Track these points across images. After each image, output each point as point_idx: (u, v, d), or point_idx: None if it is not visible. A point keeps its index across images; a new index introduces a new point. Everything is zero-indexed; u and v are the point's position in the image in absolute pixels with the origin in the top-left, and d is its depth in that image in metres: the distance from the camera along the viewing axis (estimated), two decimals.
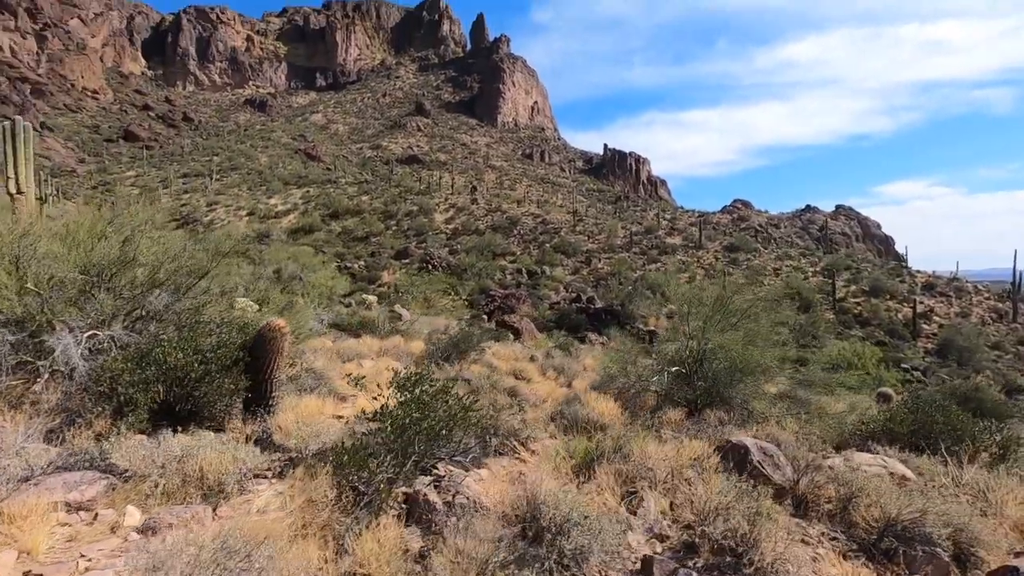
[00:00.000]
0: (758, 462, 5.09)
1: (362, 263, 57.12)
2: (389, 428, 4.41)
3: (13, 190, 22.13)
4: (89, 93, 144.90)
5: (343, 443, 4.33)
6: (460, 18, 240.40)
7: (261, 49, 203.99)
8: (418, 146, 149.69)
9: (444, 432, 4.67)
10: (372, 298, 25.17)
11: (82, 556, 3.62)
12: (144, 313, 6.75)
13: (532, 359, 15.12)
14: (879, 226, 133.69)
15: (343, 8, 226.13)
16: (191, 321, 6.73)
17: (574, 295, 48.02)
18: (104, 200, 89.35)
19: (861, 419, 7.60)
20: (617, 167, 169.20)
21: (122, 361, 5.69)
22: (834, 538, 4.55)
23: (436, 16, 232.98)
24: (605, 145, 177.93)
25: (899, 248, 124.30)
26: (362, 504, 3.83)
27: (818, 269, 59.71)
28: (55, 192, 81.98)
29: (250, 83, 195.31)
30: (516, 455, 5.91)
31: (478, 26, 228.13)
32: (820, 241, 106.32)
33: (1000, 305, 50.62)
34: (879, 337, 44.19)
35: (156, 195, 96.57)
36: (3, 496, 3.87)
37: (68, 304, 6.21)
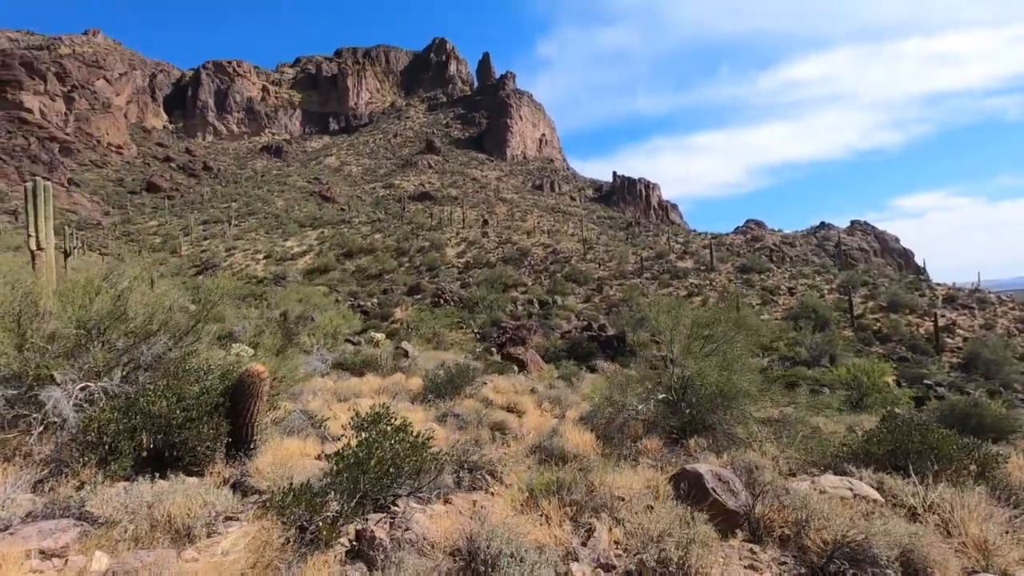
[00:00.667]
0: (712, 488, 5.11)
1: (375, 301, 57.83)
2: (336, 467, 4.59)
3: (34, 247, 23.18)
4: (114, 148, 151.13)
5: (290, 484, 4.52)
6: (466, 58, 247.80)
7: (276, 98, 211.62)
8: (430, 183, 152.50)
9: (391, 470, 4.82)
10: (380, 336, 25.50)
11: None
12: (135, 364, 7.09)
13: (533, 391, 15.18)
14: (897, 240, 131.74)
15: (353, 55, 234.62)
16: (177, 370, 7.04)
17: (585, 323, 47.92)
18: (126, 251, 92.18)
19: (843, 441, 7.53)
20: (627, 194, 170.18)
21: (109, 411, 5.98)
22: (784, 563, 4.53)
23: (443, 57, 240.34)
24: (614, 172, 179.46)
25: (919, 261, 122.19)
26: (305, 542, 3.98)
27: (834, 286, 58.90)
28: (81, 245, 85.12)
29: (266, 131, 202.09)
30: (489, 489, 6.01)
31: (484, 64, 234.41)
32: (837, 258, 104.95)
33: None
34: (901, 353, 43.23)
35: (177, 243, 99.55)
36: None
37: (63, 358, 6.56)
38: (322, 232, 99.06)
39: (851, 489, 5.55)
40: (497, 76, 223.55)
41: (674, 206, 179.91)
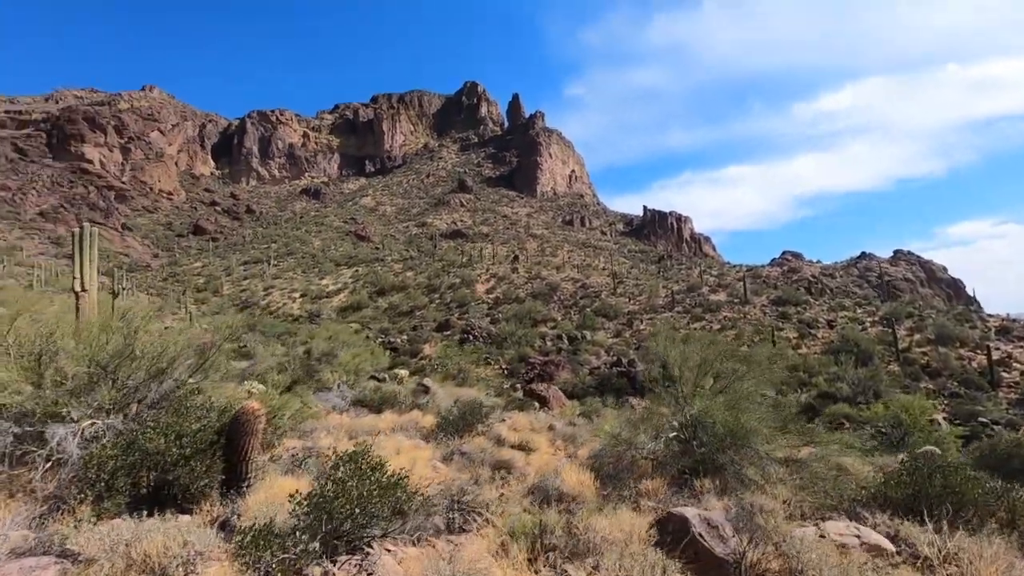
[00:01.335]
0: (698, 534, 4.80)
1: (405, 337, 58.33)
2: (296, 508, 4.54)
3: (79, 288, 24.43)
4: (165, 195, 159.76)
5: (252, 525, 4.48)
6: (497, 99, 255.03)
7: (315, 143, 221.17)
8: (461, 221, 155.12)
9: (357, 510, 4.73)
10: (404, 373, 25.62)
11: None
12: (143, 401, 7.30)
13: (550, 428, 14.89)
14: (944, 269, 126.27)
15: (388, 100, 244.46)
16: (179, 407, 7.20)
17: (615, 359, 47.12)
18: (171, 292, 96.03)
19: (861, 483, 7.04)
20: (658, 227, 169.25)
21: (110, 448, 6.13)
22: None
23: (474, 100, 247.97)
24: (644, 206, 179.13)
25: (969, 291, 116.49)
26: None
27: (876, 318, 56.50)
28: (130, 286, 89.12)
29: (306, 174, 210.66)
30: (480, 531, 5.83)
31: (514, 105, 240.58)
32: (880, 289, 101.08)
33: None
34: (952, 388, 40.89)
35: (219, 283, 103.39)
36: None
37: (72, 395, 6.81)
38: (356, 270, 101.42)
39: (858, 537, 5.12)
40: (527, 116, 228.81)
41: (707, 239, 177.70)
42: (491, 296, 76.98)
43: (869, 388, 37.18)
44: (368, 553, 4.62)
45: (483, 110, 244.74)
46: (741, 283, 68.42)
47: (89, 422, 6.65)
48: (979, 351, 44.98)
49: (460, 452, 10.02)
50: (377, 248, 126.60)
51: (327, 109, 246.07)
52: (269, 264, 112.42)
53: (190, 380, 7.97)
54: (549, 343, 55.41)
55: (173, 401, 7.33)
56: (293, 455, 8.10)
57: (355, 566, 4.35)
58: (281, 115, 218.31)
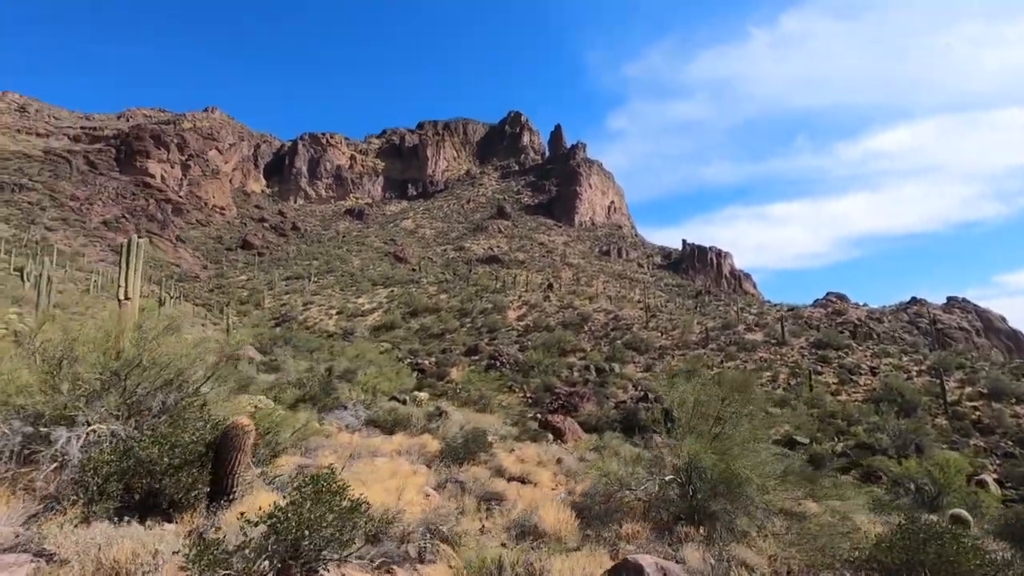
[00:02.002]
0: None
1: (433, 360, 58.70)
2: (244, 527, 4.63)
3: (122, 296, 25.75)
4: (218, 210, 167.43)
5: (201, 539, 4.59)
6: (539, 129, 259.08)
7: (362, 166, 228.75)
8: (498, 247, 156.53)
9: (307, 532, 4.77)
10: (423, 395, 25.76)
11: None
12: (147, 410, 7.63)
13: (559, 461, 14.67)
14: (1004, 320, 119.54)
15: (434, 127, 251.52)
16: (179, 418, 7.50)
17: (642, 393, 46.19)
18: (214, 302, 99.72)
19: (855, 544, 6.64)
20: (697, 261, 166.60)
21: (109, 453, 6.42)
22: None
23: (517, 129, 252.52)
24: (684, 240, 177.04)
25: None
26: None
27: (924, 368, 53.73)
28: (178, 295, 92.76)
29: (351, 195, 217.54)
30: (450, 563, 5.79)
31: (556, 135, 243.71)
32: (931, 336, 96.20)
33: None
34: (1007, 448, 38.42)
35: (261, 296, 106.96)
36: None
37: (81, 401, 7.18)
38: (392, 291, 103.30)
39: None
40: (568, 146, 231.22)
41: (747, 275, 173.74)
42: (522, 323, 76.94)
43: (911, 441, 35.23)
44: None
45: (525, 139, 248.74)
46: (779, 323, 66.33)
47: (93, 427, 6.99)
48: None
49: (455, 480, 9.98)
50: (414, 270, 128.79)
51: (375, 133, 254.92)
52: (309, 280, 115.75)
53: (200, 391, 8.28)
54: (576, 374, 54.82)
55: (174, 412, 7.65)
56: (283, 473, 8.27)
57: None
58: (331, 138, 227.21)
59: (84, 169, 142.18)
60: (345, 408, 17.99)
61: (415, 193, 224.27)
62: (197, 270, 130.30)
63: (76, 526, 5.37)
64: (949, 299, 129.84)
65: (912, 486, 20.55)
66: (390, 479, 9.19)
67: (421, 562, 5.77)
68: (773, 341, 61.56)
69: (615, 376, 52.66)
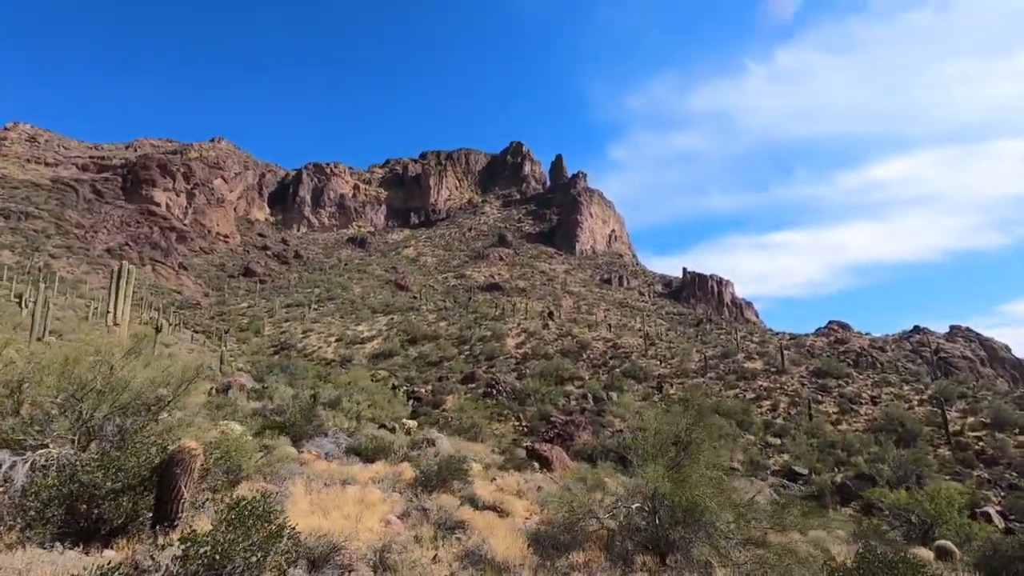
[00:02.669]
0: None
1: (429, 387, 58.24)
2: (154, 554, 4.54)
3: (111, 322, 25.70)
4: (221, 237, 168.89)
5: (113, 564, 4.48)
6: (540, 159, 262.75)
7: (365, 195, 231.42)
8: (499, 274, 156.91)
9: (217, 558, 4.64)
10: (412, 423, 25.47)
11: None
12: (99, 434, 7.53)
13: (539, 490, 14.39)
14: (1008, 349, 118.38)
15: (437, 157, 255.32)
16: (130, 441, 7.39)
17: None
18: (214, 329, 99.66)
19: (813, 573, 6.40)
20: (698, 290, 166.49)
21: (54, 478, 6.31)
22: None
23: (519, 159, 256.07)
24: (684, 268, 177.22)
25: None
26: None
27: (925, 397, 53.05)
28: (178, 322, 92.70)
29: (353, 224, 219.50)
30: None
31: (557, 165, 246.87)
32: (932, 365, 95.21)
33: None
34: (1011, 479, 37.67)
35: (261, 324, 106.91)
36: None
37: (31, 426, 7.11)
38: (392, 318, 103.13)
39: None
40: (569, 175, 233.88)
41: (749, 304, 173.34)
42: (520, 351, 76.51)
43: (911, 472, 34.56)
44: None
45: (526, 169, 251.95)
46: (779, 351, 65.86)
47: (41, 451, 6.89)
48: None
49: (421, 508, 9.74)
50: (414, 297, 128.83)
51: (378, 163, 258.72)
52: (309, 308, 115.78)
53: (158, 416, 8.20)
54: (574, 402, 54.22)
55: (125, 435, 7.55)
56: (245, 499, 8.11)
57: None
58: (335, 167, 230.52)
59: (90, 198, 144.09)
60: (326, 436, 17.77)
61: (417, 221, 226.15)
62: (199, 297, 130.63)
63: (23, 551, 5.25)
64: (952, 328, 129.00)
65: (912, 518, 20.07)
66: (354, 507, 8.98)
67: None
68: (773, 369, 61.02)
69: (613, 405, 52.05)
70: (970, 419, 47.27)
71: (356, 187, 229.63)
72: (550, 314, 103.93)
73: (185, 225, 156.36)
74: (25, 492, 6.19)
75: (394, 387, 57.34)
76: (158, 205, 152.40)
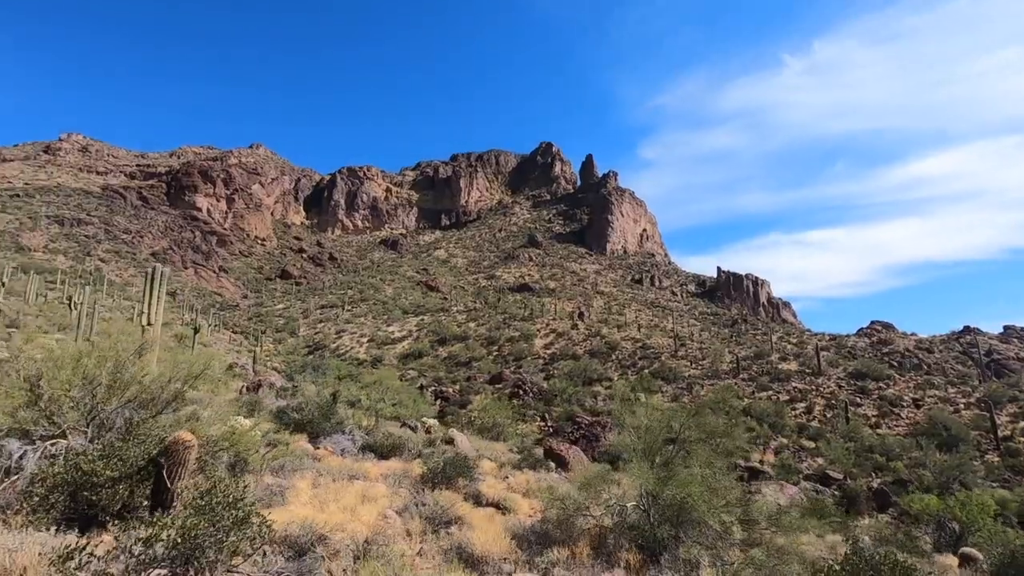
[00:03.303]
0: None
1: (457, 387, 58.69)
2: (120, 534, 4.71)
3: (145, 323, 26.79)
4: (259, 241, 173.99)
5: (72, 545, 4.68)
6: (571, 159, 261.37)
7: (397, 197, 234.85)
8: (529, 275, 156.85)
9: (179, 539, 4.77)
10: (432, 422, 25.69)
11: None
12: (108, 426, 7.89)
13: (549, 489, 14.33)
14: None
15: (467, 159, 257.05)
16: (133, 433, 7.70)
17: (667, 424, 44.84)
18: (252, 329, 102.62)
19: (798, 574, 6.16)
20: (732, 289, 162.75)
21: (61, 465, 6.64)
22: None
23: (549, 159, 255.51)
24: (718, 268, 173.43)
25: None
26: None
27: (972, 400, 50.64)
28: (218, 323, 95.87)
29: (386, 226, 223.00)
30: None
31: (587, 165, 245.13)
32: (979, 367, 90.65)
33: None
34: None
35: (296, 324, 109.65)
36: None
37: (44, 417, 7.49)
38: (422, 319, 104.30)
39: None
40: (600, 175, 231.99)
41: (786, 303, 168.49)
42: (548, 351, 76.33)
43: (954, 478, 33.02)
44: None
45: (557, 169, 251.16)
46: (819, 352, 63.81)
47: (52, 441, 7.26)
48: None
49: (420, 504, 9.84)
50: (445, 298, 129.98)
51: (410, 166, 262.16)
52: (343, 309, 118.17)
53: (165, 408, 8.53)
54: (601, 403, 53.78)
55: (132, 426, 7.88)
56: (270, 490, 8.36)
57: None
58: (368, 171, 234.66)
59: (137, 204, 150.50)
60: (343, 433, 18.10)
61: (448, 223, 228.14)
62: (238, 299, 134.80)
63: (27, 534, 5.55)
64: (1006, 328, 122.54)
65: (952, 525, 19.17)
66: (354, 501, 9.16)
67: None
68: (808, 371, 59.20)
69: (640, 406, 51.36)
70: (1022, 423, 44.91)
71: (388, 190, 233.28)
72: (580, 315, 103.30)
73: (225, 229, 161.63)
74: (33, 479, 6.54)
75: (421, 387, 58.03)
76: (199, 210, 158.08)
